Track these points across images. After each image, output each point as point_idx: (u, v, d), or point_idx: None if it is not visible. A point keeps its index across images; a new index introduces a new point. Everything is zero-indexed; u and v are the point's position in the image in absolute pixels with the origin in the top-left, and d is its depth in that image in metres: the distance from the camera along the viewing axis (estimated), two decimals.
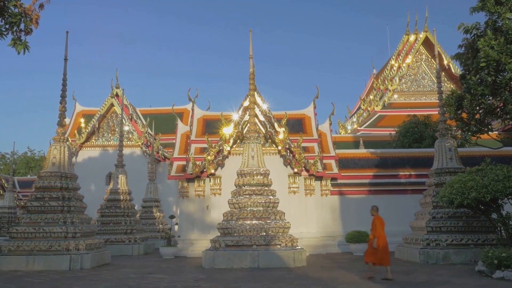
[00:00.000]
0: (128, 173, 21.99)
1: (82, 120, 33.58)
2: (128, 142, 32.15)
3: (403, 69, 38.47)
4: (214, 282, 10.22)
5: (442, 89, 16.20)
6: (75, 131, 32.52)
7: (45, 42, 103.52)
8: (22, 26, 7.93)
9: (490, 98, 14.97)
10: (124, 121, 29.95)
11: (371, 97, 39.20)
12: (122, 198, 20.84)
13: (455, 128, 18.03)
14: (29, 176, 48.29)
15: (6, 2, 7.80)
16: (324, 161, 20.29)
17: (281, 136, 19.19)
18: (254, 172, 14.58)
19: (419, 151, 22.45)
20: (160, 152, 31.40)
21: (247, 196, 14.26)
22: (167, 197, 30.13)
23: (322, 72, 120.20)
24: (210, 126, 21.07)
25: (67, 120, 28.14)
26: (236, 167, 15.75)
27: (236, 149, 19.33)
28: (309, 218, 19.18)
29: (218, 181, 19.25)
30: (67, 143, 15.33)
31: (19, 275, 11.88)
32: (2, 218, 30.70)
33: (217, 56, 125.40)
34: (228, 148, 19.22)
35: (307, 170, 19.21)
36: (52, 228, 13.62)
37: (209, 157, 18.82)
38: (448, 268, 12.48)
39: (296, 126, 21.53)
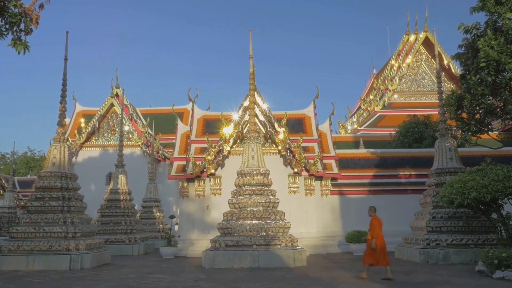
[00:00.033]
0: (128, 173, 21.99)
1: (82, 120, 33.57)
2: (128, 142, 32.15)
3: (403, 69, 38.47)
4: (214, 282, 10.22)
5: (442, 89, 16.20)
6: (75, 131, 32.52)
7: (45, 42, 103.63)
8: (22, 26, 7.93)
9: (490, 98, 14.98)
10: (124, 121, 29.95)
11: (371, 97, 39.20)
12: (122, 198, 20.84)
13: (455, 128, 18.04)
14: (29, 176, 48.31)
15: (6, 2, 7.81)
16: (324, 161, 20.29)
17: (281, 136, 19.19)
18: (254, 172, 14.59)
19: (419, 151, 22.45)
20: (160, 152, 31.40)
21: (247, 196, 14.27)
22: (167, 197, 30.13)
23: (322, 72, 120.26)
24: (210, 126, 21.07)
25: (67, 120, 28.12)
26: (236, 167, 15.75)
27: (236, 149, 19.33)
28: (309, 218, 19.18)
29: (218, 181, 19.25)
30: (67, 143, 15.33)
31: (19, 275, 11.88)
32: (2, 218, 30.72)
33: (217, 56, 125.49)
34: (228, 148, 19.22)
35: (307, 170, 19.21)
36: (52, 228, 13.63)
37: (209, 157, 18.82)
38: (448, 268, 12.48)
39: (296, 126, 21.53)
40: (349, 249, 18.23)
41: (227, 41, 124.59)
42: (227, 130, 19.07)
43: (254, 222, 13.78)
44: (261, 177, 14.62)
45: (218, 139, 19.21)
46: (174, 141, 21.88)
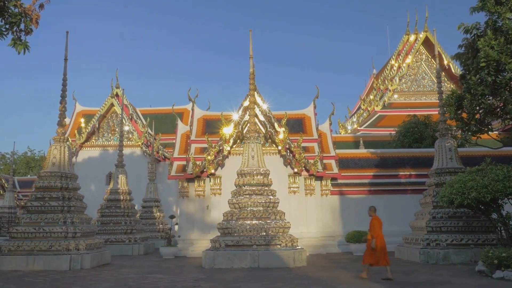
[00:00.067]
0: (128, 173, 22.00)
1: (82, 120, 33.57)
2: (128, 142, 32.15)
3: (403, 69, 38.46)
4: (214, 282, 10.22)
5: (442, 89, 16.20)
6: (75, 131, 32.51)
7: (45, 42, 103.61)
8: (22, 26, 7.93)
9: (490, 98, 14.98)
10: (124, 121, 29.95)
11: (371, 97, 39.19)
12: (122, 198, 20.85)
13: (455, 128, 18.04)
14: (29, 176, 48.32)
15: (6, 2, 7.80)
16: (324, 161, 20.29)
17: (281, 136, 19.19)
18: (254, 172, 14.59)
19: (419, 151, 22.45)
20: (160, 152, 31.40)
21: (247, 196, 14.27)
22: (167, 197, 30.12)
23: (322, 72, 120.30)
24: (210, 126, 21.07)
25: (67, 120, 28.11)
26: (236, 167, 15.75)
27: (236, 149, 19.33)
28: (309, 218, 19.18)
29: (218, 181, 19.25)
30: (67, 143, 15.33)
31: (19, 275, 11.88)
32: (2, 218, 30.72)
33: (217, 56, 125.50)
34: (228, 148, 19.22)
35: (307, 170, 19.21)
36: (52, 228, 13.63)
37: (209, 157, 18.82)
38: (448, 268, 12.48)
39: (296, 126, 21.53)
40: (349, 249, 18.23)
41: (227, 41, 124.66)
42: (227, 130, 19.08)
43: (254, 222, 13.78)
44: (261, 177, 14.62)
45: (218, 139, 19.21)
46: (174, 141, 21.88)
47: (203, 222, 18.95)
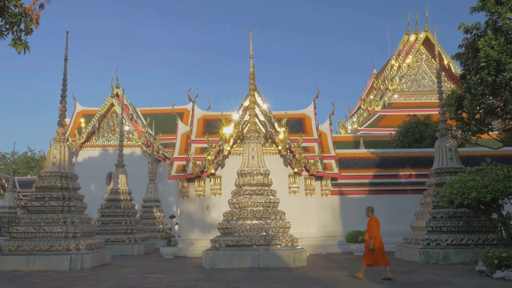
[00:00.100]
0: (128, 173, 21.99)
1: (82, 120, 33.57)
2: (128, 142, 32.15)
3: (403, 69, 38.45)
4: (214, 282, 10.22)
5: (442, 89, 16.20)
6: (75, 131, 32.52)
7: (45, 42, 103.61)
8: (22, 26, 7.91)
9: (491, 98, 14.98)
10: (124, 121, 29.95)
11: (371, 97, 39.19)
12: (122, 198, 20.85)
13: (455, 128, 18.04)
14: (29, 176, 48.33)
15: (6, 2, 7.80)
16: (324, 161, 20.29)
17: (281, 136, 19.19)
18: (255, 172, 14.59)
19: (419, 151, 22.45)
20: (160, 152, 31.40)
21: (247, 196, 14.27)
22: (167, 197, 30.13)
23: (322, 72, 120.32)
24: (210, 126, 21.07)
25: (67, 120, 28.13)
26: (236, 167, 15.75)
27: (237, 149, 19.33)
28: (309, 218, 19.18)
29: (218, 181, 19.25)
30: (67, 143, 15.33)
31: (19, 275, 11.89)
32: (3, 218, 30.73)
33: (217, 56, 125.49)
34: (228, 148, 19.22)
35: (307, 170, 19.21)
36: (52, 228, 13.63)
37: (209, 157, 18.82)
38: (449, 268, 12.48)
39: (296, 126, 21.53)
40: (349, 249, 18.24)
41: (227, 41, 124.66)
42: (227, 130, 19.07)
43: (254, 222, 13.78)
44: (261, 177, 14.62)
45: (218, 139, 19.21)
46: (174, 141, 21.88)
47: (203, 222, 18.95)
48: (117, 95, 32.40)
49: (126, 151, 28.97)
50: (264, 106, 19.67)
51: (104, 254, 14.93)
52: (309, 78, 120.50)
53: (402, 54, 38.98)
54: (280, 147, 19.31)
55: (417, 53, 39.11)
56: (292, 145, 19.17)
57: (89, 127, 32.28)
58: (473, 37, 15.01)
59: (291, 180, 19.44)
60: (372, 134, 33.36)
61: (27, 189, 37.11)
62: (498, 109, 15.40)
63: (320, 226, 19.48)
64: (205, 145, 19.64)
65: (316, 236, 18.98)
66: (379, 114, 36.97)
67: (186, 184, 19.46)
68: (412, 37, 39.38)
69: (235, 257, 13.14)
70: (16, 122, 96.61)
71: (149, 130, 32.49)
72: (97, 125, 32.44)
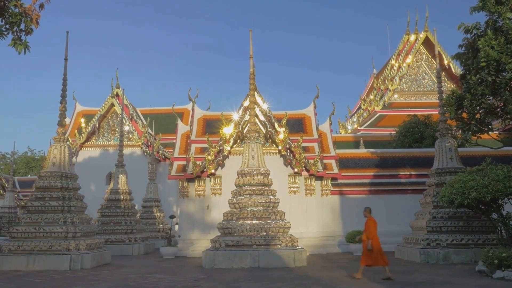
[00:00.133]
0: (129, 173, 22.00)
1: (82, 120, 33.57)
2: (129, 142, 32.15)
3: (403, 69, 38.45)
4: (214, 282, 10.22)
5: (442, 89, 16.19)
6: (76, 131, 32.52)
7: (45, 42, 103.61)
8: (22, 26, 7.91)
9: (491, 98, 14.98)
10: (124, 121, 29.94)
11: (372, 97, 39.19)
12: (122, 198, 20.85)
13: (455, 128, 18.03)
14: (29, 176, 48.33)
15: (6, 2, 7.80)
16: (325, 161, 20.29)
17: (281, 136, 19.19)
18: (255, 172, 14.59)
19: (419, 151, 22.45)
20: (160, 152, 31.40)
21: (248, 196, 14.27)
22: (167, 197, 30.13)
23: (322, 72, 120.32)
24: (211, 126, 21.07)
25: (67, 120, 28.16)
26: (236, 167, 15.75)
27: (237, 149, 19.33)
28: (309, 218, 19.18)
29: (219, 181, 19.25)
30: (68, 143, 15.33)
31: (20, 275, 11.89)
32: (3, 218, 30.73)
33: (217, 56, 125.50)
34: (229, 148, 19.22)
35: (308, 170, 19.21)
36: (52, 228, 13.63)
37: (209, 157, 18.82)
38: (449, 268, 12.47)
39: (296, 126, 21.53)
40: (349, 249, 18.24)
41: (227, 41, 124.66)
42: (227, 130, 19.07)
43: (254, 222, 13.78)
44: (261, 177, 14.62)
45: (218, 139, 19.21)
46: (174, 141, 21.88)
47: (203, 222, 18.95)
48: (117, 95, 32.40)
49: (126, 151, 28.98)
50: (264, 106, 19.67)
51: (104, 254, 14.93)
52: (309, 78, 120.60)
53: (402, 54, 38.98)
54: (280, 147, 19.31)
55: (417, 53, 39.11)
56: (292, 145, 19.17)
57: (89, 127, 32.29)
58: (473, 37, 15.01)
59: (291, 180, 19.44)
60: (372, 134, 33.36)
61: (27, 189, 37.11)
62: (498, 109, 15.39)
63: (320, 226, 19.48)
64: (205, 145, 19.64)
65: (316, 236, 18.98)
66: (379, 114, 36.97)
67: (186, 184, 19.46)
68: (412, 37, 39.38)
69: (235, 257, 13.14)
70: (16, 122, 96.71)
71: (149, 130, 32.49)
72: (97, 125, 32.44)
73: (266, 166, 15.07)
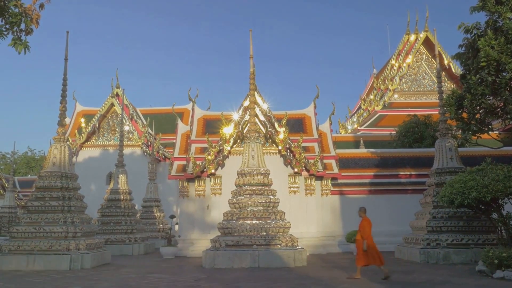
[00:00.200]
0: (129, 173, 22.00)
1: (82, 120, 33.57)
2: (129, 142, 32.16)
3: (404, 69, 38.46)
4: (214, 282, 10.22)
5: (442, 89, 16.20)
6: (76, 131, 32.52)
7: (45, 42, 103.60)
8: (22, 26, 7.91)
9: (491, 98, 14.98)
10: (124, 121, 29.93)
11: (372, 97, 39.19)
12: (122, 198, 20.85)
13: (455, 128, 18.04)
14: (29, 176, 48.33)
15: (6, 2, 7.80)
16: (325, 161, 20.29)
17: (281, 136, 19.19)
18: (255, 172, 14.59)
19: (419, 151, 22.45)
20: (160, 152, 31.40)
21: (248, 195, 14.27)
22: (167, 197, 30.13)
23: (322, 72, 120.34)
24: (211, 126, 21.07)
25: (67, 120, 28.18)
26: (236, 167, 15.75)
27: (237, 149, 19.34)
28: (309, 218, 19.18)
29: (219, 181, 19.25)
30: (68, 143, 15.33)
31: (20, 274, 11.89)
32: (3, 217, 30.74)
33: (217, 56, 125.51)
34: (229, 148, 19.22)
35: (308, 170, 19.21)
36: (52, 228, 13.63)
37: (209, 157, 18.82)
38: (449, 268, 12.48)
39: (297, 126, 21.53)
40: (349, 249, 18.24)
41: (227, 41, 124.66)
42: (227, 130, 19.08)
43: (254, 222, 13.78)
44: (261, 177, 14.62)
45: (218, 139, 19.21)
46: (174, 141, 21.88)
47: (203, 222, 18.95)
48: (117, 95, 32.40)
49: (126, 151, 28.97)
50: (264, 106, 19.67)
51: (104, 254, 14.93)
52: (309, 78, 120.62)
53: (402, 54, 38.98)
54: (280, 147, 19.31)
55: (417, 53, 39.11)
56: (292, 145, 19.17)
57: (89, 127, 32.29)
58: (473, 37, 15.00)
59: (291, 180, 19.44)
60: (372, 134, 33.37)
61: (27, 189, 37.13)
62: (498, 109, 15.39)
63: (320, 226, 19.48)
64: (205, 145, 19.64)
65: (316, 236, 18.98)
66: (379, 114, 36.97)
67: (186, 184, 19.47)
68: (412, 37, 39.38)
69: (235, 257, 13.14)
70: (16, 122, 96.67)
71: (149, 130, 32.49)
72: (97, 125, 32.44)
73: (266, 166, 15.07)
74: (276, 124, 19.46)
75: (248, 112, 17.53)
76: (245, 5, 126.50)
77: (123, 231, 20.02)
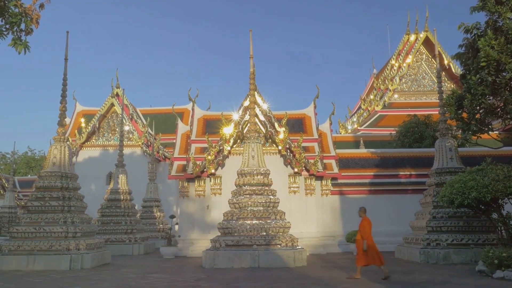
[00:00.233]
0: (129, 173, 22.00)
1: (82, 120, 33.58)
2: (129, 142, 32.16)
3: (404, 68, 38.46)
4: (214, 282, 10.22)
5: (442, 89, 16.20)
6: (76, 131, 32.53)
7: (45, 42, 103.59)
8: (22, 26, 7.91)
9: (491, 98, 14.97)
10: (124, 121, 29.92)
11: (372, 97, 39.20)
12: (122, 198, 20.85)
13: (455, 128, 18.03)
14: (29, 176, 48.32)
15: (6, 2, 7.80)
16: (325, 161, 20.29)
17: (281, 136, 19.19)
18: (255, 172, 14.59)
19: (419, 151, 22.45)
20: (160, 152, 31.40)
21: (248, 195, 14.27)
22: (167, 197, 30.13)
23: (322, 72, 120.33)
24: (211, 126, 21.07)
25: (67, 120, 28.18)
26: (236, 167, 15.75)
27: (237, 149, 19.34)
28: (309, 218, 19.18)
29: (219, 181, 19.25)
30: (68, 143, 15.33)
31: (20, 274, 11.88)
32: (3, 217, 30.73)
33: (217, 56, 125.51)
34: (229, 148, 19.22)
35: (308, 170, 19.21)
36: (52, 228, 13.63)
37: (209, 157, 18.82)
38: (449, 268, 12.48)
39: (297, 126, 21.53)
40: (350, 249, 18.23)
41: (227, 41, 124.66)
42: (227, 130, 19.08)
43: (254, 222, 13.78)
44: (261, 177, 14.62)
45: (218, 139, 19.21)
46: (174, 141, 21.88)
47: (203, 222, 18.96)
48: (117, 95, 32.41)
49: (126, 151, 28.97)
50: (264, 106, 19.68)
51: (104, 254, 14.93)
52: (309, 77, 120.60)
53: (402, 54, 38.99)
54: (280, 147, 19.31)
55: (417, 53, 39.12)
56: (292, 145, 19.17)
57: (89, 127, 32.29)
58: (473, 37, 14.99)
59: (291, 180, 19.44)
60: (372, 134, 33.37)
61: (27, 189, 37.12)
62: (498, 109, 15.38)
63: (320, 226, 19.48)
64: (205, 145, 19.64)
65: (316, 236, 18.98)
66: (379, 114, 36.98)
67: (186, 184, 19.47)
68: (412, 37, 39.39)
69: (235, 257, 13.14)
70: (16, 122, 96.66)
71: (149, 130, 32.50)
72: (97, 125, 32.44)
73: (266, 166, 15.07)
74: (276, 124, 19.46)
75: (248, 112, 17.53)
76: (245, 5, 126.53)
77: (123, 231, 20.02)
